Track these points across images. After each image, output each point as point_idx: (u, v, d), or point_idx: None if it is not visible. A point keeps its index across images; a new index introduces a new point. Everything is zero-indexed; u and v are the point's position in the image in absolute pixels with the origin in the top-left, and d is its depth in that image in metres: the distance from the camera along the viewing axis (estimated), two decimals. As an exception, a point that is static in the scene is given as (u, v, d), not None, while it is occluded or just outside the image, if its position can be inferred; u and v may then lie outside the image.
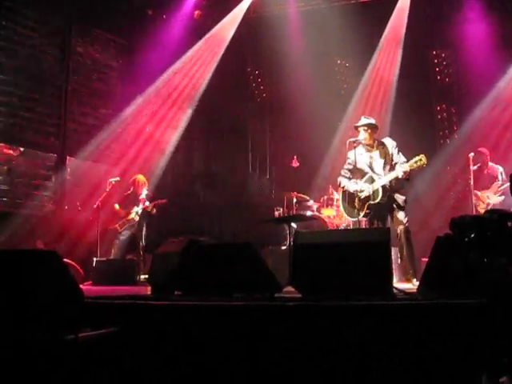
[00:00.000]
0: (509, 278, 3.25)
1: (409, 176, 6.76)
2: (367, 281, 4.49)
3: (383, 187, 6.87)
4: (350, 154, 7.16)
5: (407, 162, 6.75)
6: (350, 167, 7.26)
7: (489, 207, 8.90)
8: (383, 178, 6.88)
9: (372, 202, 6.93)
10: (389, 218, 7.03)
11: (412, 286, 6.28)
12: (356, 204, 7.11)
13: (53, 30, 9.90)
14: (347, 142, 7.13)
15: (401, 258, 6.82)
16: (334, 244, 4.82)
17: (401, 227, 6.81)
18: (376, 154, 7.11)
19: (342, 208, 7.70)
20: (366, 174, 7.10)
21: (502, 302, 3.28)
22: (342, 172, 7.39)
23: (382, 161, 7.04)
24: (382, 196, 6.87)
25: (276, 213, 9.48)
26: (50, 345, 3.36)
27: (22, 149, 9.44)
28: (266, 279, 4.87)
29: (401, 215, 6.87)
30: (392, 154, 7.01)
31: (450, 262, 3.66)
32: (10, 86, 9.14)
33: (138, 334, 4.23)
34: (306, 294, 4.69)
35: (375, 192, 6.91)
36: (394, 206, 6.93)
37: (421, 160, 6.57)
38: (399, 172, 6.73)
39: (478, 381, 3.22)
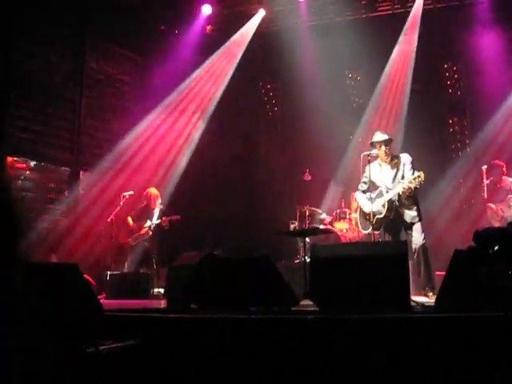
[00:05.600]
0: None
1: (411, 192, 6.74)
2: (385, 294, 4.49)
3: (389, 202, 6.87)
4: (367, 168, 7.18)
5: None
6: (366, 180, 7.31)
7: (503, 220, 8.84)
8: (389, 193, 6.89)
9: (379, 216, 6.93)
10: (403, 233, 7.02)
11: (428, 299, 6.25)
12: (368, 217, 7.14)
13: (67, 44, 9.97)
14: (362, 155, 7.15)
15: (418, 274, 6.77)
16: (352, 257, 4.82)
17: (418, 244, 6.78)
18: (388, 168, 7.14)
19: (357, 220, 7.72)
20: (378, 187, 7.12)
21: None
22: (359, 186, 7.43)
23: (392, 175, 7.05)
24: (388, 211, 6.87)
25: (291, 226, 9.46)
26: (71, 357, 3.36)
27: (35, 163, 9.49)
28: (283, 292, 4.87)
29: (416, 232, 6.83)
30: (404, 170, 7.00)
31: (473, 275, 3.64)
32: (24, 99, 9.20)
33: (157, 347, 4.23)
34: (324, 307, 4.69)
35: (382, 206, 6.92)
36: (404, 222, 6.92)
37: (419, 177, 6.56)
38: (399, 189, 6.75)
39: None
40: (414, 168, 6.96)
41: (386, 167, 7.15)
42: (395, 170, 7.07)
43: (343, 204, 9.69)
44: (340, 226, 9.46)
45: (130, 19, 10.52)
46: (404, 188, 6.68)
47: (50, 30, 9.60)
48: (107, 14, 10.16)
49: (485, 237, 3.45)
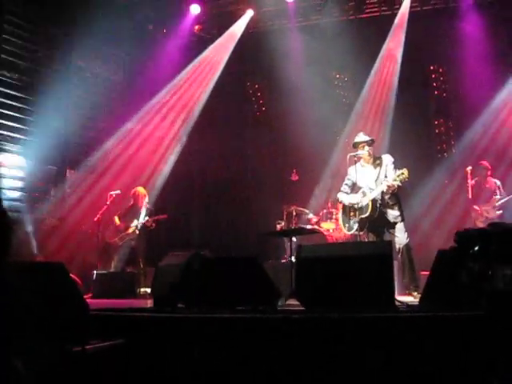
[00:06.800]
0: (513, 291, 3.30)
1: (395, 190, 6.80)
2: (370, 293, 4.53)
3: (372, 202, 6.93)
4: (351, 169, 7.24)
5: None
6: (349, 182, 7.37)
7: (487, 221, 8.92)
8: (372, 193, 6.95)
9: (363, 216, 6.99)
10: (387, 234, 7.07)
11: (413, 298, 6.32)
12: (351, 217, 7.20)
13: (54, 43, 9.93)
14: (348, 156, 7.21)
15: (402, 274, 6.85)
16: (337, 257, 4.87)
17: (402, 244, 6.84)
18: (371, 168, 7.20)
19: (340, 221, 7.77)
20: (360, 188, 7.18)
21: (506, 314, 3.32)
22: (342, 187, 7.48)
23: (375, 176, 7.11)
24: (372, 210, 6.92)
25: (278, 226, 9.49)
26: (56, 357, 3.37)
27: (21, 161, 9.43)
28: (270, 292, 4.91)
29: (399, 231, 6.89)
30: (386, 170, 7.07)
31: (455, 275, 3.70)
32: (11, 99, 9.16)
33: (143, 347, 4.25)
34: (310, 306, 4.73)
35: (366, 206, 6.98)
36: (387, 221, 6.98)
37: (403, 174, 6.62)
38: (383, 186, 6.80)
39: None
40: (396, 168, 7.03)
41: (369, 168, 7.22)
42: (378, 171, 7.14)
43: (330, 204, 9.71)
44: (327, 226, 9.49)
45: (117, 18, 10.49)
46: (388, 186, 6.74)
47: (37, 29, 9.56)
48: (95, 12, 10.13)
49: (465, 237, 3.51)
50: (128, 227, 9.45)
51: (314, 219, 9.66)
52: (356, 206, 7.08)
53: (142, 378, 4.22)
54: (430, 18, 10.73)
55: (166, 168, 11.28)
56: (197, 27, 11.74)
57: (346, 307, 4.39)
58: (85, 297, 8.01)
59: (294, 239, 7.73)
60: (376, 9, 11.11)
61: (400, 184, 6.70)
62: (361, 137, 7.29)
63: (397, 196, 6.98)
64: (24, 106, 9.38)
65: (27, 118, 9.40)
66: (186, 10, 11.33)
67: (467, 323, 3.62)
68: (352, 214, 7.19)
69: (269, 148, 12.27)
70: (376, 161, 7.21)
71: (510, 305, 3.33)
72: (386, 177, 7.01)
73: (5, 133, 9.07)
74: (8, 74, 9.08)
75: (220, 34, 11.66)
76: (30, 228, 8.98)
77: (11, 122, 9.17)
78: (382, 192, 6.87)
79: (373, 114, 10.71)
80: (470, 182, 9.06)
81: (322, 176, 10.64)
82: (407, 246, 6.86)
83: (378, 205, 6.94)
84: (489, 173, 9.29)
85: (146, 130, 11.14)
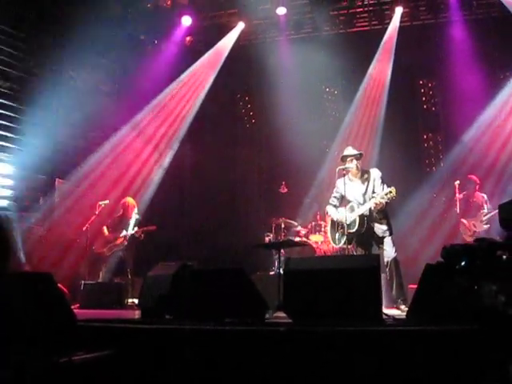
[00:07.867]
0: (499, 305, 3.33)
1: (382, 207, 6.84)
2: (357, 306, 4.55)
3: (360, 217, 6.97)
4: (339, 183, 7.28)
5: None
6: (337, 195, 7.41)
7: (475, 235, 8.97)
8: (360, 208, 7.00)
9: (351, 231, 7.01)
10: (375, 247, 7.10)
11: (400, 312, 6.34)
12: (339, 231, 7.24)
13: (46, 52, 9.92)
14: (337, 169, 7.25)
15: (390, 287, 6.87)
16: (325, 270, 4.88)
17: (390, 258, 6.87)
18: (358, 182, 7.24)
19: (329, 234, 7.80)
20: (349, 202, 7.21)
21: (492, 329, 3.35)
22: (330, 200, 7.52)
23: (363, 190, 7.16)
24: (359, 225, 6.97)
25: (266, 238, 9.50)
26: (43, 368, 3.35)
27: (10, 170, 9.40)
28: (257, 304, 4.91)
29: (387, 245, 6.93)
30: (374, 185, 7.11)
31: (441, 289, 3.73)
32: (1, 107, 9.14)
33: (131, 358, 4.23)
34: (297, 319, 4.74)
35: (353, 221, 7.01)
36: (375, 235, 7.01)
37: (390, 192, 6.68)
38: (371, 203, 6.85)
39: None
40: (383, 182, 7.08)
41: (357, 182, 7.27)
42: (366, 185, 7.19)
43: (319, 217, 9.74)
44: (315, 239, 9.50)
45: (109, 28, 10.50)
46: (376, 203, 6.79)
47: (29, 38, 9.56)
48: (87, 22, 10.13)
49: (452, 253, 3.54)
50: (117, 238, 9.41)
51: (303, 231, 9.68)
52: (344, 222, 7.09)
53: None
54: (420, 33, 10.84)
55: (156, 179, 11.27)
56: (188, 39, 11.78)
57: (333, 320, 4.40)
58: (72, 307, 8.01)
59: (282, 251, 7.74)
60: (366, 23, 11.21)
61: (388, 202, 6.75)
62: (349, 150, 7.35)
63: (385, 211, 7.03)
64: (14, 115, 9.36)
65: (17, 127, 9.38)
66: (177, 22, 11.36)
67: (454, 337, 3.64)
68: (340, 228, 7.24)
69: (258, 160, 12.31)
70: (364, 175, 7.26)
71: (495, 320, 3.36)
72: (374, 192, 7.06)
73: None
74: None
75: (211, 46, 11.70)
76: (18, 237, 8.92)
77: (0, 130, 9.15)
78: (370, 208, 6.92)
79: (362, 128, 10.78)
80: (458, 196, 9.12)
81: (310, 188, 10.66)
82: (395, 260, 6.89)
83: (365, 220, 6.98)
84: (477, 187, 9.34)
85: (135, 140, 11.14)
